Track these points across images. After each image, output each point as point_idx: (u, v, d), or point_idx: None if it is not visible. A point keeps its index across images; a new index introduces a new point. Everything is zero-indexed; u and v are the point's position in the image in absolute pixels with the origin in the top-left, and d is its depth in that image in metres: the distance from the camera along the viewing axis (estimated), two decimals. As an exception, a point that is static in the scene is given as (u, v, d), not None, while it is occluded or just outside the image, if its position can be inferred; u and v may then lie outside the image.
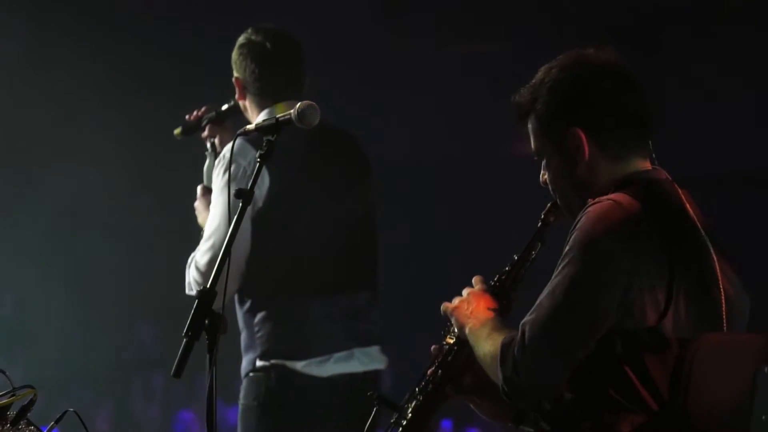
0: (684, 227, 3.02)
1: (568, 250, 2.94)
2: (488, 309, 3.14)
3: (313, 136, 4.39)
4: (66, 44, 10.36)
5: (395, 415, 3.26)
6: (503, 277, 3.23)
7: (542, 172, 3.17)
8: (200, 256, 4.56)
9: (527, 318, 2.94)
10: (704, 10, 9.84)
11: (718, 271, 3.02)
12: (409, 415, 3.22)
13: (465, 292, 3.22)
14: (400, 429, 3.22)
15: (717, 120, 9.92)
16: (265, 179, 4.50)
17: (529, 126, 3.14)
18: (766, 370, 2.96)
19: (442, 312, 3.23)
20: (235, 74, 4.70)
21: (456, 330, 3.19)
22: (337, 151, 4.74)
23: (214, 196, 4.59)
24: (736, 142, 9.97)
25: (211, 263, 4.48)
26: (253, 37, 4.69)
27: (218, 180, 4.56)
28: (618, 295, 2.90)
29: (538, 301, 2.95)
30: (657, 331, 2.92)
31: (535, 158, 3.18)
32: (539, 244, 3.23)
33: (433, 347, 3.26)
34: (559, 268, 2.95)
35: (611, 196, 2.99)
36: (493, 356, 2.99)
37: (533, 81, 3.12)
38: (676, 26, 9.93)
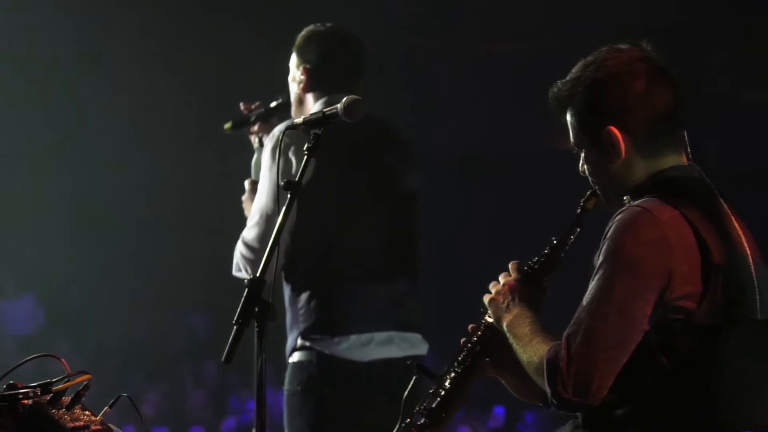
0: (715, 222, 3.06)
1: (601, 261, 3.01)
2: (523, 303, 3.20)
3: (365, 130, 4.50)
4: (116, 41, 10.52)
5: (434, 386, 3.35)
6: (541, 260, 3.29)
7: (581, 161, 3.24)
8: (247, 231, 4.67)
9: (568, 331, 3.00)
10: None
11: (752, 262, 3.07)
12: (448, 385, 3.31)
13: (501, 279, 3.28)
14: (439, 399, 3.31)
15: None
16: (321, 168, 4.57)
17: (568, 119, 3.20)
18: None
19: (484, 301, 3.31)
20: (303, 65, 4.75)
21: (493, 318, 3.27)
22: (388, 146, 4.85)
23: (262, 176, 4.68)
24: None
25: (257, 238, 4.60)
26: (321, 28, 4.79)
27: (266, 160, 4.66)
28: (653, 298, 2.96)
29: (576, 314, 3.01)
30: (692, 322, 2.98)
31: (574, 151, 3.25)
32: (578, 229, 3.29)
33: (470, 326, 3.35)
34: (594, 278, 3.02)
35: (640, 202, 3.05)
36: (537, 368, 3.05)
37: (571, 76, 3.18)
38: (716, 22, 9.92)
